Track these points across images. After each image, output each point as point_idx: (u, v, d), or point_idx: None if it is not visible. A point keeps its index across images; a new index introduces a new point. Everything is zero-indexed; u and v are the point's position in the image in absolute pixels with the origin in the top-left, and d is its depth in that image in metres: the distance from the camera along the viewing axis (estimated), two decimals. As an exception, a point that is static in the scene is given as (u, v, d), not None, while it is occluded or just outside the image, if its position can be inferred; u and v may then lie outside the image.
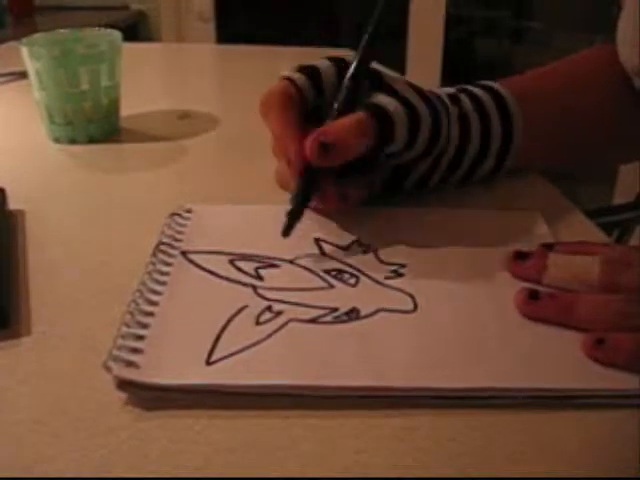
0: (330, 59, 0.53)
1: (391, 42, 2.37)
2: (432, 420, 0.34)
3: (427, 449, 0.32)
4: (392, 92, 0.49)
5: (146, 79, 1.03)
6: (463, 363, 0.37)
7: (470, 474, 0.31)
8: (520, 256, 0.44)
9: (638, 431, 0.33)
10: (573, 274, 0.42)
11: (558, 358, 0.37)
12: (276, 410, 0.35)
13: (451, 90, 0.55)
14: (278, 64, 1.16)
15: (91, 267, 0.48)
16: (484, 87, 0.56)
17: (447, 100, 0.52)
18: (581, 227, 0.54)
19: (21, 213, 0.55)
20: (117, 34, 0.75)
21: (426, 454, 0.32)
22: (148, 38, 2.58)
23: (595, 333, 0.37)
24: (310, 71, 0.52)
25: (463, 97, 0.54)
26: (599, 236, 0.53)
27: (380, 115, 0.47)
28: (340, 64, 0.52)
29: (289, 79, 0.51)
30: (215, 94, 1.03)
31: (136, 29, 2.54)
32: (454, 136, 0.52)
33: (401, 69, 1.89)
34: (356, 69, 0.50)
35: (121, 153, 0.73)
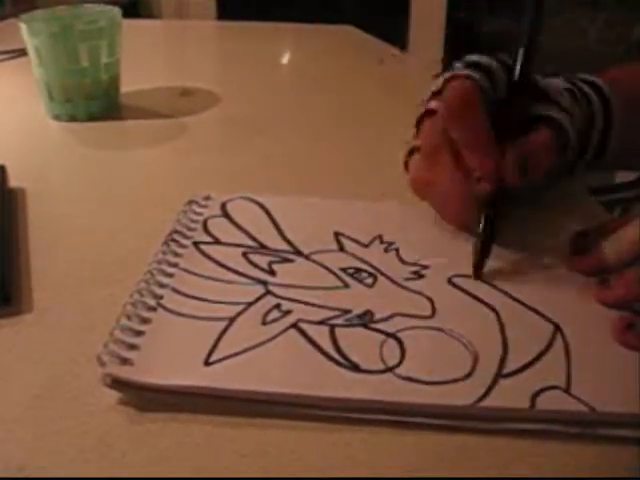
0: (497, 59, 0.49)
1: (392, 15, 2.35)
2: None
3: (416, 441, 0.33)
4: (550, 101, 0.47)
5: (146, 56, 1.03)
6: (473, 379, 0.34)
7: (468, 472, 0.31)
8: (578, 251, 0.43)
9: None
10: (629, 241, 0.41)
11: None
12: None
13: (565, 84, 0.52)
14: (280, 41, 1.15)
15: (92, 244, 0.48)
16: (587, 82, 0.54)
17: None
18: (583, 204, 0.54)
19: (21, 191, 0.55)
20: (117, 10, 0.75)
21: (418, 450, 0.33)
22: (148, 15, 2.56)
23: (626, 317, 0.37)
24: (487, 71, 0.47)
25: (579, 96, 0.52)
26: (601, 214, 0.53)
27: (560, 131, 0.46)
28: (506, 64, 0.49)
29: (471, 78, 0.45)
30: (216, 71, 1.02)
31: (136, 6, 2.52)
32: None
33: (402, 42, 1.87)
34: (521, 77, 0.47)
35: (121, 130, 0.72)
